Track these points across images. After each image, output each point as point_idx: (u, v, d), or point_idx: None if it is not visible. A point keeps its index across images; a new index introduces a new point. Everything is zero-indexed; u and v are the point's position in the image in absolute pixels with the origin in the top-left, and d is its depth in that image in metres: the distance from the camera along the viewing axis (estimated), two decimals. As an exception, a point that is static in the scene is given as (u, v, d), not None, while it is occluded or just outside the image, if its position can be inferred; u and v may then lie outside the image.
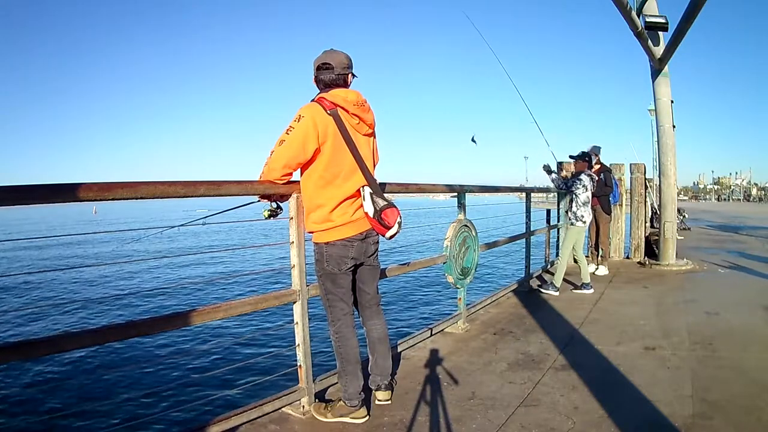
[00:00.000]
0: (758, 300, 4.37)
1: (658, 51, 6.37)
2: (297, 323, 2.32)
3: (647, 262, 6.68)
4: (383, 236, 2.20)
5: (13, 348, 1.59)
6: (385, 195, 2.23)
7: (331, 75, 2.11)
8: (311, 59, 2.19)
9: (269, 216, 2.20)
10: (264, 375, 2.63)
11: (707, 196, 76.23)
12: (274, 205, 2.22)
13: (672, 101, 6.64)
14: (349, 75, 2.16)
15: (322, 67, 2.13)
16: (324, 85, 2.15)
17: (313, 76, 2.18)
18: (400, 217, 2.14)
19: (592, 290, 4.87)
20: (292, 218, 2.25)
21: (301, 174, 2.15)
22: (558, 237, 6.69)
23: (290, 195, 2.25)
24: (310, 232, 2.19)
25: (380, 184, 2.43)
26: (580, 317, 3.99)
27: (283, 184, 2.13)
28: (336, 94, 2.09)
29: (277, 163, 2.05)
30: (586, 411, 2.29)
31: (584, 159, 5.10)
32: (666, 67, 6.52)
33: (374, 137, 2.29)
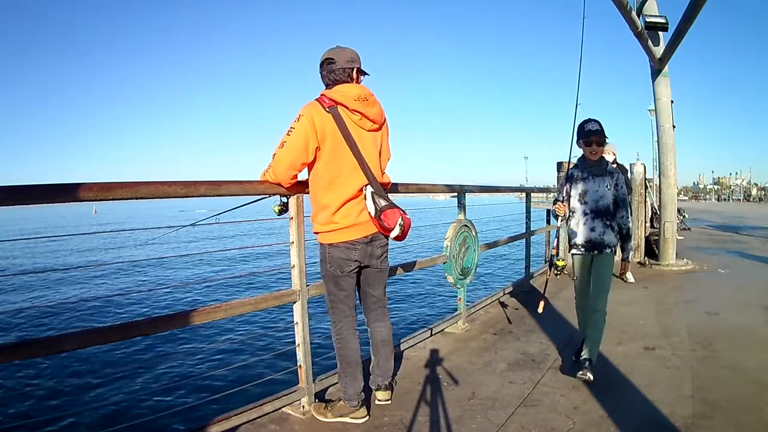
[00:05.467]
0: (758, 300, 4.37)
1: (658, 51, 6.38)
2: (297, 323, 2.32)
3: (647, 262, 6.68)
4: (387, 237, 2.18)
5: (13, 348, 1.59)
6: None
7: (334, 69, 2.09)
8: (316, 58, 2.17)
9: (280, 212, 2.21)
10: (264, 375, 2.63)
11: (707, 196, 76.27)
12: (285, 199, 2.22)
13: (672, 101, 6.65)
14: (355, 70, 2.11)
15: (324, 63, 2.11)
16: (329, 82, 2.12)
17: (320, 75, 2.16)
18: (403, 218, 2.09)
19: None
20: (292, 218, 2.25)
21: (308, 174, 2.14)
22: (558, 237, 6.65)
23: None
24: (315, 233, 2.17)
25: (392, 185, 2.41)
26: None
27: (287, 187, 2.13)
28: (337, 90, 2.06)
29: (280, 166, 2.03)
30: (586, 411, 2.29)
31: None
32: (666, 67, 6.53)
33: (384, 131, 2.22)
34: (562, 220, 2.89)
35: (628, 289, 5.14)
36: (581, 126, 2.77)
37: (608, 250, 2.75)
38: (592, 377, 2.54)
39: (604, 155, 5.27)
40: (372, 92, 2.13)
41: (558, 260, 2.87)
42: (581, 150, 2.81)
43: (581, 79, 2.84)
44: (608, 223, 2.74)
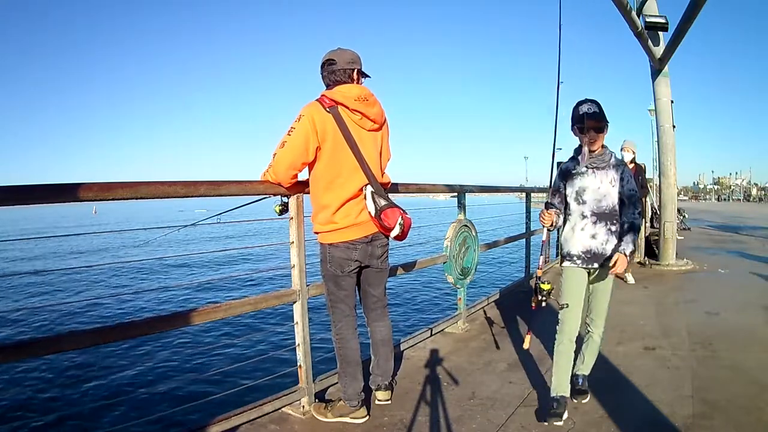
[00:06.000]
0: (758, 300, 4.37)
1: (658, 51, 6.38)
2: (297, 323, 2.32)
3: (647, 262, 6.67)
4: (388, 237, 2.19)
5: (13, 348, 1.59)
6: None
7: (335, 70, 2.10)
8: (316, 58, 2.18)
9: (281, 212, 2.21)
10: (264, 375, 2.63)
11: (707, 196, 76.31)
12: (285, 199, 2.23)
13: (672, 101, 6.65)
14: (356, 71, 2.12)
15: (325, 65, 2.12)
16: (330, 82, 2.13)
17: (321, 76, 2.17)
18: (403, 217, 2.10)
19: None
20: (292, 218, 2.26)
21: (309, 175, 2.15)
22: (558, 237, 6.62)
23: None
24: (316, 233, 2.18)
25: (392, 184, 2.42)
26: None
27: (287, 187, 2.14)
28: (337, 91, 2.07)
29: (281, 165, 2.04)
30: (586, 411, 2.29)
31: None
32: (666, 67, 6.53)
33: (384, 131, 2.24)
34: (550, 231, 2.35)
35: (628, 289, 5.14)
36: (575, 109, 2.24)
37: (611, 264, 2.20)
38: (588, 397, 2.38)
39: (624, 153, 4.90)
40: (372, 92, 2.14)
41: (543, 283, 2.27)
42: (577, 140, 2.29)
43: (562, 59, 2.46)
44: (613, 228, 2.23)
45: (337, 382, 2.38)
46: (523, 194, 5.69)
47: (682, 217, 11.46)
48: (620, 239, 2.21)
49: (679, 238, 7.71)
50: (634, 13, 5.85)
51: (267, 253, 14.07)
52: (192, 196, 1.94)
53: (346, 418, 2.21)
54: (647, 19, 6.01)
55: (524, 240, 5.30)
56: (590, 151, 2.22)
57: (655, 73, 6.63)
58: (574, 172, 2.28)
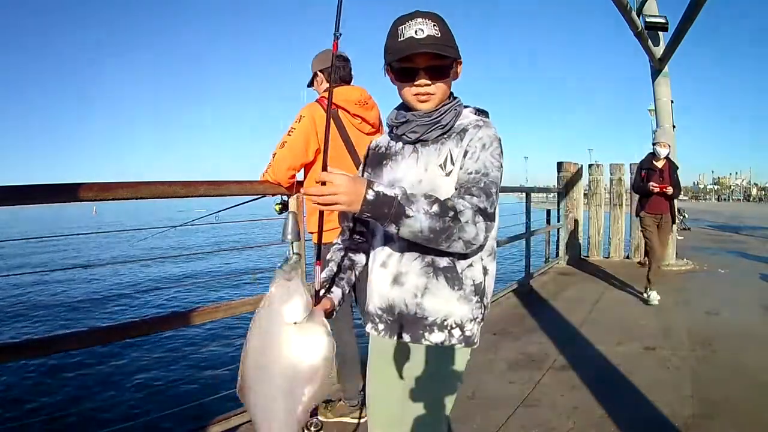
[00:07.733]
0: (758, 300, 4.37)
1: (658, 51, 6.38)
2: (297, 323, 2.32)
3: (647, 262, 6.66)
4: None
5: (13, 348, 1.59)
6: None
7: (348, 68, 2.14)
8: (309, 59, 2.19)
9: (281, 211, 2.22)
10: (264, 375, 2.62)
11: (707, 196, 76.24)
12: (285, 198, 2.23)
13: (672, 101, 6.65)
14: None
15: (340, 61, 2.12)
16: (340, 81, 2.13)
17: (322, 76, 2.15)
18: None
19: None
20: (292, 218, 2.26)
21: (305, 175, 2.16)
22: (558, 237, 6.64)
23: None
24: (310, 233, 2.20)
25: None
26: (580, 317, 3.99)
27: (287, 186, 2.14)
28: (338, 93, 2.07)
29: (280, 165, 2.05)
30: (586, 411, 2.28)
31: None
32: (666, 67, 6.54)
33: (381, 133, 2.28)
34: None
35: (629, 289, 5.13)
36: (392, 30, 1.04)
37: (437, 336, 1.12)
38: None
39: (659, 148, 4.30)
40: (371, 95, 2.15)
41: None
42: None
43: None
44: (442, 264, 1.06)
45: (337, 382, 2.38)
46: (523, 194, 5.70)
47: (682, 217, 11.46)
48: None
49: (679, 238, 7.72)
50: (634, 13, 5.86)
51: (267, 252, 14.08)
52: (192, 196, 1.94)
53: (346, 418, 2.22)
54: (647, 19, 6.02)
55: (524, 240, 5.31)
56: (417, 111, 1.07)
57: (655, 73, 6.63)
58: (383, 152, 1.16)
